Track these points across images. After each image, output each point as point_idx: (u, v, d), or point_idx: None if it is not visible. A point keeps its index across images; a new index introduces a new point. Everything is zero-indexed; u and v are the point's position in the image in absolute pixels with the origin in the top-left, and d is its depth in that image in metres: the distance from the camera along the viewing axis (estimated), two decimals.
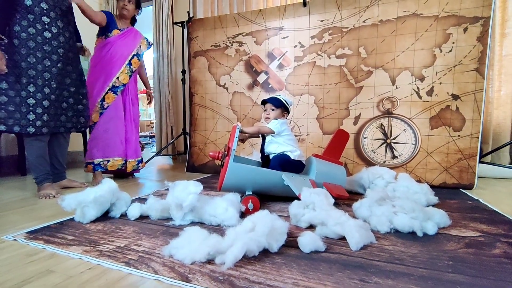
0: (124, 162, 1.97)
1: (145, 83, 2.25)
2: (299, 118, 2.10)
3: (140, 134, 5.80)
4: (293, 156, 1.41)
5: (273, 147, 1.45)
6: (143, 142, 4.93)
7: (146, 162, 2.50)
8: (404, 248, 0.84)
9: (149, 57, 3.24)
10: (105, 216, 1.16)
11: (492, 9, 1.63)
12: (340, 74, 1.98)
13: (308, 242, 0.82)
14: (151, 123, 6.37)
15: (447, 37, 1.72)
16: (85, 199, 1.09)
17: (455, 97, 1.73)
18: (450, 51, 1.72)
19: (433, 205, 1.28)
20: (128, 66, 1.95)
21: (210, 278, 0.68)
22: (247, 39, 2.22)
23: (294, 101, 2.09)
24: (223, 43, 2.30)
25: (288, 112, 1.54)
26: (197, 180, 1.95)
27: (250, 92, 2.24)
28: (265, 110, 1.52)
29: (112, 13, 2.01)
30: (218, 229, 1.00)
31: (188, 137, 2.51)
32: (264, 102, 1.52)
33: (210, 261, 0.76)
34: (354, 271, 0.71)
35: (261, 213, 0.89)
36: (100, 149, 1.88)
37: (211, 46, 2.34)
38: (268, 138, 1.48)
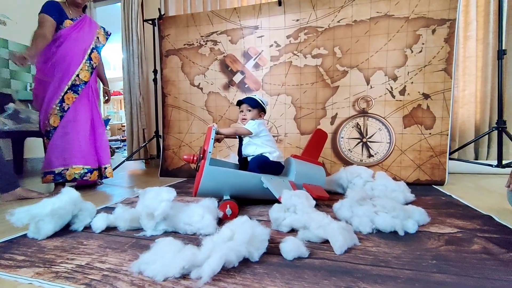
0: (86, 171, 1.74)
1: (103, 80, 2.01)
2: (277, 118, 2.07)
3: (111, 138, 5.52)
4: (272, 157, 1.36)
5: (252, 149, 1.39)
6: (113, 147, 4.65)
7: (115, 168, 2.34)
8: (387, 249, 0.82)
9: (118, 57, 3.05)
10: (65, 230, 1.03)
11: (458, 12, 1.70)
12: (316, 74, 1.97)
13: (291, 248, 0.77)
14: (122, 126, 6.05)
15: (417, 38, 1.78)
16: (41, 212, 0.96)
17: (426, 96, 1.79)
18: (420, 51, 1.78)
19: (410, 203, 1.29)
20: (88, 61, 1.76)
21: None
22: (222, 38, 2.15)
23: (271, 101, 2.06)
24: (197, 42, 2.21)
25: (265, 112, 1.50)
26: (171, 185, 1.86)
27: (226, 92, 2.17)
28: (241, 111, 1.45)
29: (59, 1, 1.71)
30: (194, 239, 0.92)
31: (161, 140, 2.39)
32: (239, 103, 1.46)
33: (185, 276, 0.68)
34: (340, 277, 0.67)
35: (240, 219, 0.83)
36: (59, 156, 1.67)
37: (184, 44, 2.24)
38: (245, 140, 1.42)
